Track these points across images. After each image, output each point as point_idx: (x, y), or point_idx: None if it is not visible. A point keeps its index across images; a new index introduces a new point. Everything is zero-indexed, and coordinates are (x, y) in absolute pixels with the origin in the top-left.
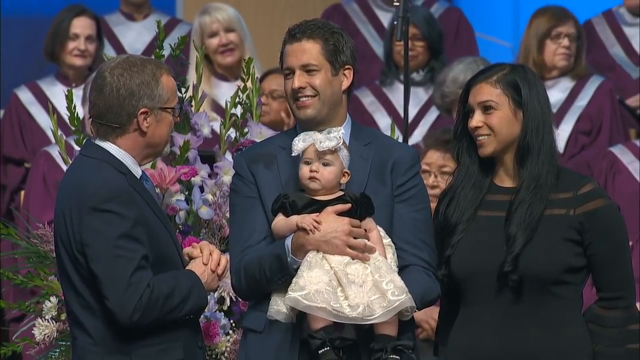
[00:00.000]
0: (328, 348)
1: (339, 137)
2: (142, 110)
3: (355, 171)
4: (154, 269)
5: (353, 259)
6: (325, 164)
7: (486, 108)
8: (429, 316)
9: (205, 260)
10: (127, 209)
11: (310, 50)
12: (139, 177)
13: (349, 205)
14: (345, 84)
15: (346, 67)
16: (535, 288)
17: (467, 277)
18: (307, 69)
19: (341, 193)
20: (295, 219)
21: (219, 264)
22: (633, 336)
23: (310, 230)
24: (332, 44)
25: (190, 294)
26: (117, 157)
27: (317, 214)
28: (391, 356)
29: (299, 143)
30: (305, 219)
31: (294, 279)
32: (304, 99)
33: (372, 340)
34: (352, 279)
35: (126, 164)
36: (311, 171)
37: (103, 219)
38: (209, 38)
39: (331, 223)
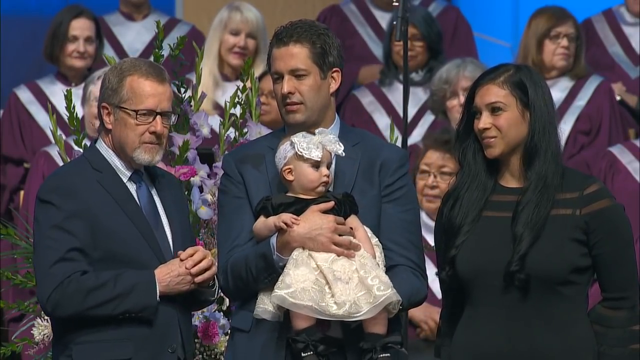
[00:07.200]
0: (311, 353)
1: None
2: (102, 104)
3: (343, 172)
4: (102, 266)
5: (339, 256)
6: (329, 167)
7: (494, 109)
8: (428, 317)
9: (184, 256)
10: (65, 201)
11: (298, 55)
12: (126, 178)
13: (332, 203)
14: (334, 86)
15: (334, 69)
16: (541, 288)
17: (473, 277)
18: (296, 74)
19: (323, 193)
20: (272, 219)
21: (197, 265)
22: (637, 336)
23: (288, 226)
24: (320, 46)
25: (132, 291)
26: (105, 156)
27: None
28: (381, 355)
29: (315, 150)
30: (282, 217)
31: (280, 277)
32: (292, 104)
33: (360, 339)
34: (339, 276)
35: (111, 163)
36: (327, 175)
37: (42, 210)
38: (229, 34)
39: (316, 220)
